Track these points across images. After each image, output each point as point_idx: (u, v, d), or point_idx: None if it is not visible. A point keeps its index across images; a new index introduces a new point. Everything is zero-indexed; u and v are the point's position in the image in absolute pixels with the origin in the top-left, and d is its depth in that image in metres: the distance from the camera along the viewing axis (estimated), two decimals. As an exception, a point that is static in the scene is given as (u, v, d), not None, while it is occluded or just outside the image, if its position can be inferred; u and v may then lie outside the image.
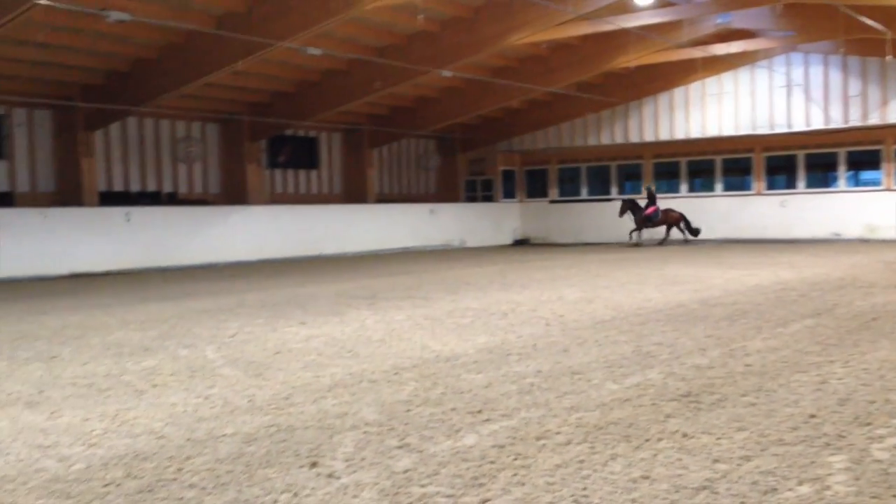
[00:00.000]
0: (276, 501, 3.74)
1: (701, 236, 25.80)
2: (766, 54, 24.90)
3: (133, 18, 14.54)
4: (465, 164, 30.86)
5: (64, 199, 19.72)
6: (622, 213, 25.73)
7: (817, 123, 24.82)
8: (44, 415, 5.42)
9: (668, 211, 25.73)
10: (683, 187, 28.34)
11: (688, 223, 25.60)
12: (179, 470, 4.20)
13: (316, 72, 21.67)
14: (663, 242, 25.81)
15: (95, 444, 4.70)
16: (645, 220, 25.43)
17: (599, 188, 29.99)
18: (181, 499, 3.79)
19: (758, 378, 6.07)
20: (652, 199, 25.57)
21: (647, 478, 3.96)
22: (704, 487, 3.82)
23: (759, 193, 26.73)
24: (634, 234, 25.79)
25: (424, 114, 26.55)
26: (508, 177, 31.01)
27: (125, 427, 5.06)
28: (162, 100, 19.36)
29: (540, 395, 5.69)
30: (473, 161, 30.85)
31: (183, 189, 22.94)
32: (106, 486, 3.99)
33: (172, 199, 22.32)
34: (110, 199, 20.63)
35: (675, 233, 25.98)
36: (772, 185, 27.00)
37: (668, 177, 28.92)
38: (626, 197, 26.93)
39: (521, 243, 30.21)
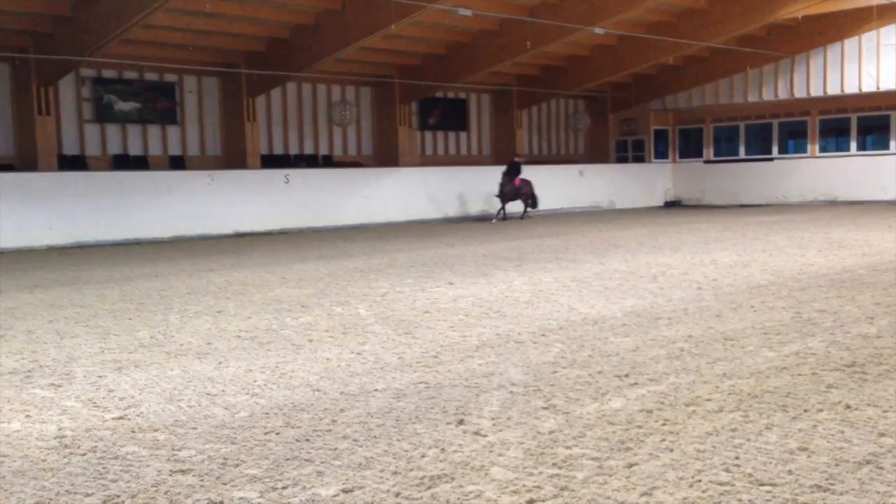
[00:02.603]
0: (423, 456, 3.85)
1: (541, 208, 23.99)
2: (953, -2, 22.69)
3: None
4: (616, 123, 30.12)
5: (229, 163, 20.83)
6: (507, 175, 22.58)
7: None
8: (212, 365, 5.80)
9: (528, 182, 23.01)
10: (853, 145, 26.50)
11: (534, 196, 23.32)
12: (333, 422, 4.40)
13: (467, 33, 21.68)
14: (524, 216, 23.20)
15: (258, 394, 5.00)
16: (515, 193, 22.49)
17: (759, 147, 28.53)
18: (335, 449, 3.97)
19: (932, 350, 5.66)
20: (517, 171, 22.63)
21: (804, 449, 3.79)
22: (868, 462, 3.62)
23: (939, 151, 24.63)
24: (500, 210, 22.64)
25: (574, 73, 26.04)
26: (661, 136, 30.02)
27: (284, 379, 5.35)
28: (318, 65, 19.98)
29: (690, 360, 5.55)
30: (624, 121, 30.06)
31: (338, 152, 23.68)
32: (267, 433, 4.24)
33: (328, 162, 23.10)
34: (271, 161, 21.61)
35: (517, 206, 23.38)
36: (955, 142, 24.78)
37: (836, 134, 27.11)
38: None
39: (673, 205, 29.29)
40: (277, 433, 4.23)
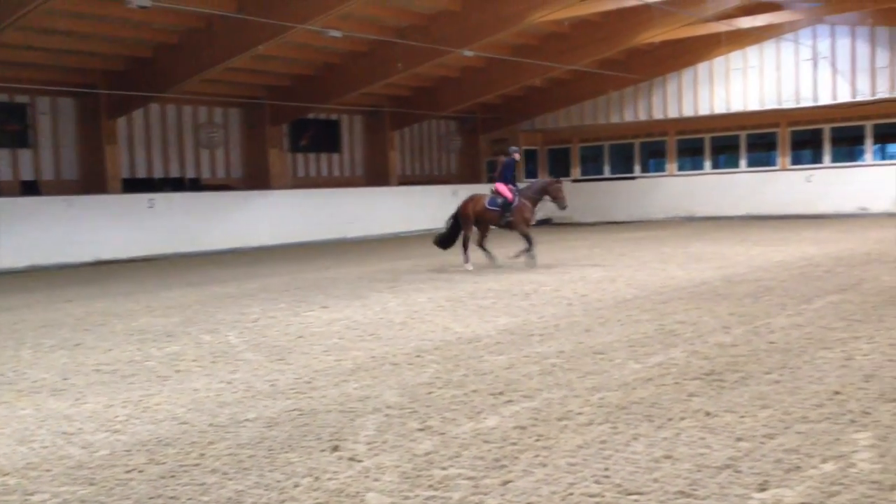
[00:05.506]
0: (297, 486, 3.75)
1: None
2: (792, 27, 24.43)
3: (156, 4, 14.55)
4: (487, 144, 30.71)
5: (88, 187, 19.87)
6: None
7: (844, 96, 24.35)
8: (68, 402, 5.48)
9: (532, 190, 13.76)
10: (707, 163, 28.04)
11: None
12: (202, 455, 4.23)
13: (337, 54, 21.60)
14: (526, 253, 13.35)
15: (119, 431, 4.74)
16: (503, 211, 13.33)
17: (623, 166, 29.74)
18: (203, 484, 3.81)
19: (782, 355, 6.01)
20: (507, 172, 13.71)
21: (669, 457, 3.93)
22: (727, 466, 3.78)
23: (784, 169, 26.35)
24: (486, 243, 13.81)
25: (446, 94, 26.39)
26: (531, 156, 30.81)
27: (148, 413, 5.11)
28: (183, 85, 19.40)
29: (562, 375, 5.67)
30: (495, 141, 30.64)
31: (206, 174, 23.03)
32: (129, 472, 4.03)
33: (195, 185, 22.42)
34: (134, 185, 20.76)
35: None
36: (797, 160, 26.58)
37: (692, 153, 28.59)
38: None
39: (544, 223, 30.05)
40: (140, 471, 4.03)
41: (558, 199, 13.28)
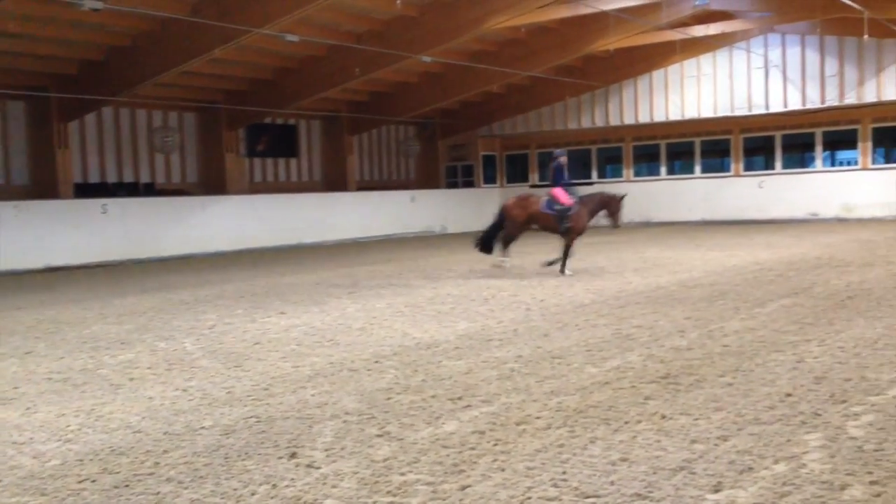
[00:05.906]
0: (254, 494, 3.72)
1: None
2: (744, 36, 24.93)
3: (107, 6, 14.32)
4: (446, 149, 30.78)
5: (39, 192, 19.47)
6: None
7: (794, 104, 24.91)
8: (18, 411, 5.36)
9: (589, 201, 13.17)
10: (663, 170, 28.43)
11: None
12: (156, 464, 4.17)
13: (294, 59, 21.49)
14: (558, 262, 12.88)
15: (71, 440, 4.66)
16: (561, 217, 12.71)
17: (580, 172, 30.01)
18: (158, 493, 3.76)
19: (735, 358, 6.11)
20: (559, 176, 13.22)
21: (625, 460, 3.97)
22: (682, 468, 3.84)
23: (737, 175, 26.83)
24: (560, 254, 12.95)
25: (404, 100, 26.41)
26: (489, 162, 30.95)
27: (101, 422, 5.02)
28: (138, 89, 19.12)
29: (520, 380, 5.70)
30: (454, 147, 30.77)
31: (160, 179, 22.72)
32: (81, 482, 3.96)
33: (150, 190, 22.11)
34: (86, 190, 20.40)
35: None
36: (750, 167, 27.10)
37: (647, 159, 28.97)
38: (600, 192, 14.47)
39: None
40: (93, 481, 3.96)
41: (615, 218, 12.91)
